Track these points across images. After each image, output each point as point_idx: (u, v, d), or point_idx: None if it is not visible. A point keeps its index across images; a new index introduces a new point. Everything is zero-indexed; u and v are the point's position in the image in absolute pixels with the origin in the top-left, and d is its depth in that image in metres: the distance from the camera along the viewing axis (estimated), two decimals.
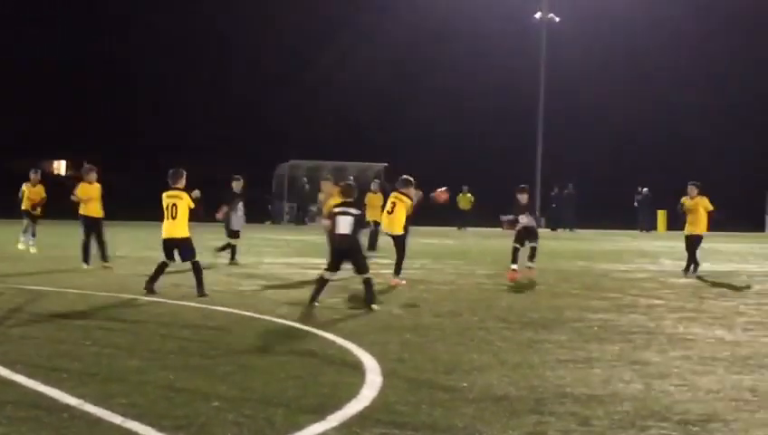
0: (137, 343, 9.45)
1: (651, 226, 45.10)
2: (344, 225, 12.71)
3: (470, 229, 42.53)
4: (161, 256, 14.16)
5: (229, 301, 13.17)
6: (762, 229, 47.90)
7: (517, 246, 17.46)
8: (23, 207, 22.10)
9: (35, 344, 9.28)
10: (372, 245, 22.95)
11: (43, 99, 60.41)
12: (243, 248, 20.41)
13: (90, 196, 18.31)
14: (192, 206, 13.98)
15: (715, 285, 17.28)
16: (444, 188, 17.95)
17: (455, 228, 43.11)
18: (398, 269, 16.18)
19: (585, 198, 46.03)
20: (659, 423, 6.58)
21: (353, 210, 12.86)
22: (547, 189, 47.56)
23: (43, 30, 58.93)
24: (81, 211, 18.31)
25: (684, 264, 19.41)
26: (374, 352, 9.05)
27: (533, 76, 52.30)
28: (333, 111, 61.55)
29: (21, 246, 22.11)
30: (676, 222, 20.52)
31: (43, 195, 22.21)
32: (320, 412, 6.62)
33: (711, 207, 19.31)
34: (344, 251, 12.83)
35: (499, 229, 35.34)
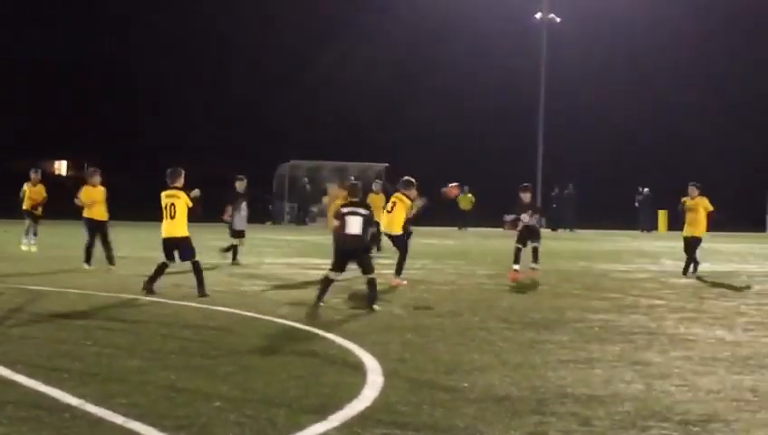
0: (138, 344, 9.46)
1: (652, 226, 45.10)
2: (354, 225, 12.69)
3: (471, 229, 42.52)
4: (161, 257, 14.16)
5: (230, 301, 13.17)
6: (762, 229, 47.89)
7: (519, 246, 17.44)
8: (24, 207, 22.09)
9: (36, 344, 9.28)
10: (377, 245, 22.94)
11: (43, 99, 60.40)
12: (244, 249, 20.40)
13: (93, 199, 18.28)
14: (190, 205, 13.98)
15: (715, 285, 17.28)
16: (455, 184, 17.95)
17: (455, 229, 43.11)
18: (399, 269, 16.17)
19: (585, 199, 46.02)
20: (660, 423, 6.58)
21: (362, 210, 12.84)
22: (548, 190, 47.56)
23: (43, 30, 58.94)
24: (86, 214, 18.26)
25: (683, 265, 19.39)
26: (375, 352, 9.05)
27: (533, 76, 52.30)
28: (333, 111, 61.53)
29: (24, 248, 22.06)
30: (676, 222, 20.52)
31: (44, 195, 22.20)
32: (321, 412, 6.62)
33: (711, 208, 19.30)
34: (351, 251, 12.80)
35: (500, 229, 35.38)
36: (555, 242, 31.22)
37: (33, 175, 22.28)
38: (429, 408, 6.87)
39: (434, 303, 13.59)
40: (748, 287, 17.02)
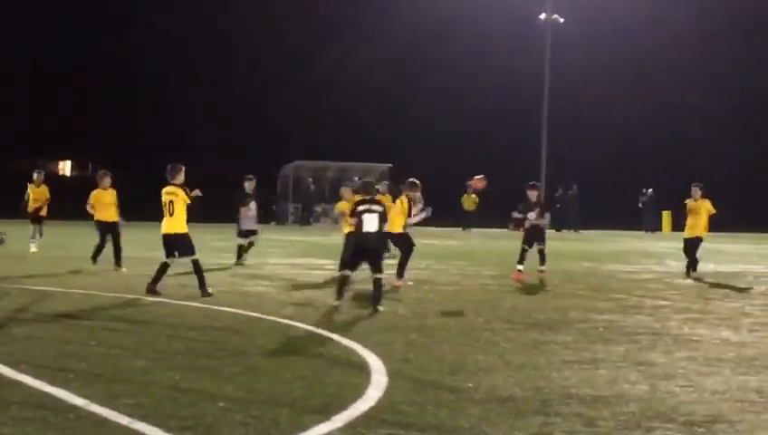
0: (142, 344, 9.46)
1: (656, 227, 45.07)
2: (371, 222, 12.67)
3: (475, 230, 42.51)
4: (162, 256, 14.20)
5: (234, 301, 13.17)
6: (765, 229, 47.79)
7: (526, 247, 17.36)
8: (29, 211, 21.97)
9: (41, 345, 9.29)
10: (386, 247, 22.93)
11: (43, 99, 60.41)
12: (253, 249, 20.42)
13: (103, 201, 18.35)
14: (188, 201, 14.06)
15: (720, 285, 17.26)
16: (481, 176, 17.82)
17: (459, 229, 43.10)
18: (400, 270, 16.12)
19: (588, 200, 45.99)
20: (665, 424, 6.57)
21: (376, 207, 12.83)
22: (551, 190, 47.53)
23: (43, 30, 58.93)
24: (97, 217, 18.37)
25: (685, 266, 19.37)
26: (379, 352, 9.06)
27: (534, 76, 52.23)
28: (333, 111, 61.50)
29: (33, 250, 21.86)
30: (680, 223, 20.48)
31: (48, 196, 22.17)
32: (325, 413, 6.63)
33: (713, 211, 19.26)
34: (370, 249, 12.76)
35: (504, 230, 35.37)
36: (560, 243, 31.19)
37: (36, 176, 22.26)
38: (434, 408, 6.87)
39: (438, 303, 13.59)
40: (753, 288, 16.99)
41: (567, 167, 51.14)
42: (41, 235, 22.08)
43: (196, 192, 14.28)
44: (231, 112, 62.12)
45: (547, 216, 18.15)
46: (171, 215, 14.04)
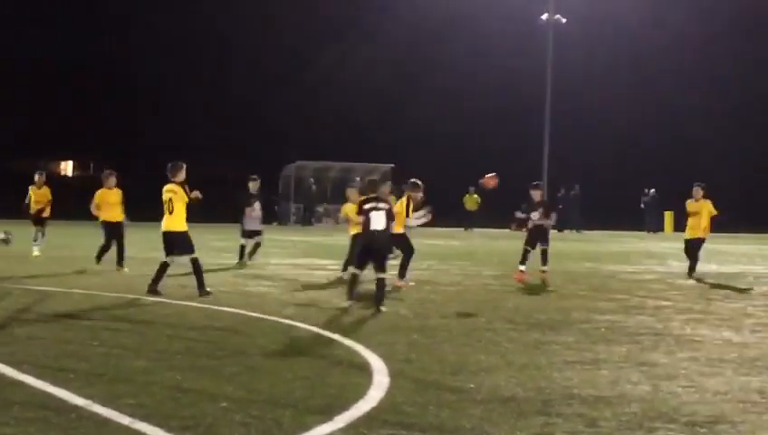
0: (144, 344, 9.46)
1: (658, 227, 45.06)
2: (378, 220, 12.64)
3: (477, 230, 42.51)
4: (162, 256, 14.21)
5: (235, 302, 13.17)
6: (766, 230, 47.75)
7: (528, 248, 17.31)
8: (30, 213, 21.89)
9: (43, 345, 9.29)
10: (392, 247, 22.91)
11: (43, 99, 60.47)
12: (249, 249, 20.41)
13: (107, 201, 18.35)
14: (186, 200, 14.08)
15: (722, 286, 17.24)
16: (492, 174, 17.76)
17: (461, 229, 43.11)
18: (402, 271, 16.11)
19: (590, 200, 45.99)
20: (667, 425, 6.57)
21: (382, 204, 12.78)
22: (553, 190, 47.54)
23: (43, 30, 58.97)
24: (103, 217, 18.37)
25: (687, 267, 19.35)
26: (381, 352, 9.05)
27: (535, 77, 52.14)
28: (333, 111, 61.52)
29: (36, 253, 21.77)
30: (682, 224, 20.46)
31: (49, 197, 22.02)
32: (327, 413, 6.62)
33: (715, 212, 19.23)
34: (378, 247, 12.73)
35: (506, 230, 35.35)
36: (562, 243, 31.18)
37: (37, 177, 22.12)
38: (435, 409, 6.87)
39: (440, 303, 13.59)
40: (755, 289, 16.98)
41: (569, 167, 51.12)
42: (43, 236, 22.01)
43: (196, 193, 14.28)
44: (231, 112, 62.16)
45: (553, 216, 18.10)
46: (171, 213, 14.09)
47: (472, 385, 7.72)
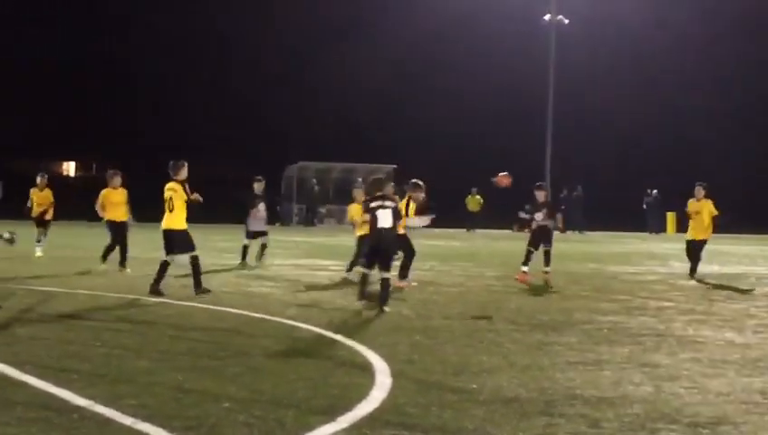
0: (146, 344, 9.46)
1: (660, 228, 45.06)
2: (385, 218, 12.61)
3: (479, 231, 42.51)
4: (162, 255, 14.22)
5: (238, 302, 13.18)
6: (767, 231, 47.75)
7: (531, 249, 17.29)
8: (32, 215, 21.87)
9: (45, 345, 9.30)
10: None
11: (44, 99, 60.51)
12: (252, 250, 20.43)
13: (112, 201, 18.33)
14: (185, 199, 14.10)
15: (724, 287, 17.23)
16: (505, 173, 17.72)
17: (464, 230, 43.10)
18: (403, 271, 16.09)
19: (592, 201, 45.99)
20: (669, 426, 6.56)
21: (389, 202, 12.74)
22: (556, 191, 47.54)
23: (43, 30, 59.02)
24: (108, 217, 18.34)
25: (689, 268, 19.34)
26: (384, 353, 9.05)
27: (536, 77, 52.22)
28: (333, 111, 61.53)
29: (39, 254, 21.77)
30: (685, 224, 20.45)
31: (51, 199, 21.94)
32: (330, 414, 6.62)
33: (716, 212, 19.20)
34: (386, 247, 12.69)
35: (508, 231, 35.43)
36: (565, 244, 31.16)
37: (39, 179, 22.04)
38: (438, 409, 6.86)
39: (442, 304, 13.58)
40: (758, 290, 16.96)
41: (571, 168, 51.11)
42: (45, 237, 21.99)
43: (196, 196, 14.30)
44: (231, 112, 62.20)
45: (558, 217, 18.04)
46: (171, 211, 14.15)
47: (474, 386, 7.71)
